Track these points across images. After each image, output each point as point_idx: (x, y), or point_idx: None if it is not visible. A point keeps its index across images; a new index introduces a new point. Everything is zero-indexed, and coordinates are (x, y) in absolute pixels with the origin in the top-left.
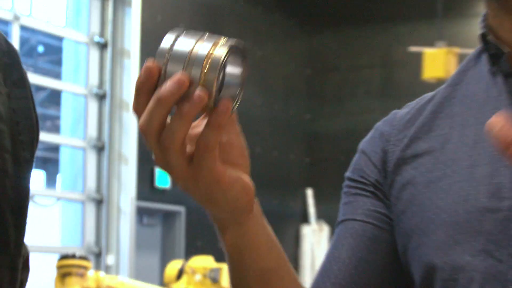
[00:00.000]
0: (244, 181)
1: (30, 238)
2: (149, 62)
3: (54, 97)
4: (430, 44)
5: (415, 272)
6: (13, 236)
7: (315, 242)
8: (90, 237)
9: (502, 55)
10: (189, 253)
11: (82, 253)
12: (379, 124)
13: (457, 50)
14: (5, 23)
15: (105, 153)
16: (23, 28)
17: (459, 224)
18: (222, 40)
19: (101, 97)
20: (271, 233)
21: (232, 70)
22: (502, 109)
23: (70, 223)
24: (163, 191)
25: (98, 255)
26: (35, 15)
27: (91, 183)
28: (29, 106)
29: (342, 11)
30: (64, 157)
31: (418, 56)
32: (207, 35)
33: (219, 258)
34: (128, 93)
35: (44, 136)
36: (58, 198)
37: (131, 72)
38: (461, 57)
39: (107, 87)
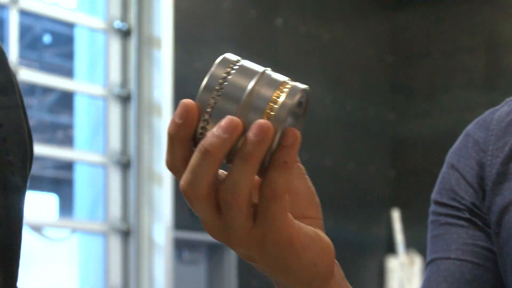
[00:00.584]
0: (322, 240)
1: (39, 280)
2: (187, 101)
3: (66, 100)
4: None
5: None
6: (1, 283)
7: (405, 278)
8: (116, 278)
9: None
10: None
11: None
12: (470, 127)
13: None
14: (1, 7)
15: (132, 171)
16: (24, 13)
17: None
18: (289, 84)
19: (125, 99)
20: None
21: (291, 119)
22: None
23: (89, 261)
24: None
25: None
26: None
27: (115, 209)
28: (19, 117)
29: None
30: (80, 177)
31: None
32: (268, 73)
33: None
34: (160, 92)
35: (54, 151)
36: (74, 230)
37: (162, 66)
38: None
39: (132, 86)
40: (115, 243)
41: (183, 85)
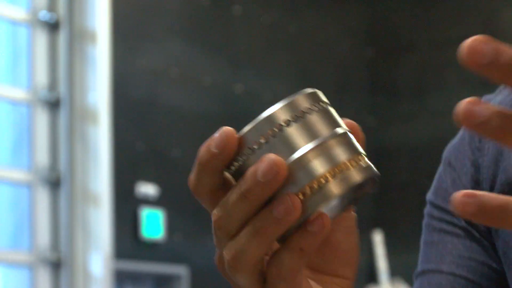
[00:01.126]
0: None
1: None
2: (229, 129)
3: None
4: None
5: None
6: None
7: None
8: None
9: None
10: None
11: None
12: None
13: None
14: None
15: (63, 190)
16: None
17: None
18: (362, 160)
19: (53, 105)
20: None
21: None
22: None
23: None
24: (153, 245)
25: None
26: None
27: (43, 236)
28: None
29: None
30: (0, 198)
31: None
32: (347, 134)
33: None
34: (95, 96)
35: None
36: None
37: (97, 65)
38: None
39: (62, 88)
40: (44, 276)
41: (123, 87)
